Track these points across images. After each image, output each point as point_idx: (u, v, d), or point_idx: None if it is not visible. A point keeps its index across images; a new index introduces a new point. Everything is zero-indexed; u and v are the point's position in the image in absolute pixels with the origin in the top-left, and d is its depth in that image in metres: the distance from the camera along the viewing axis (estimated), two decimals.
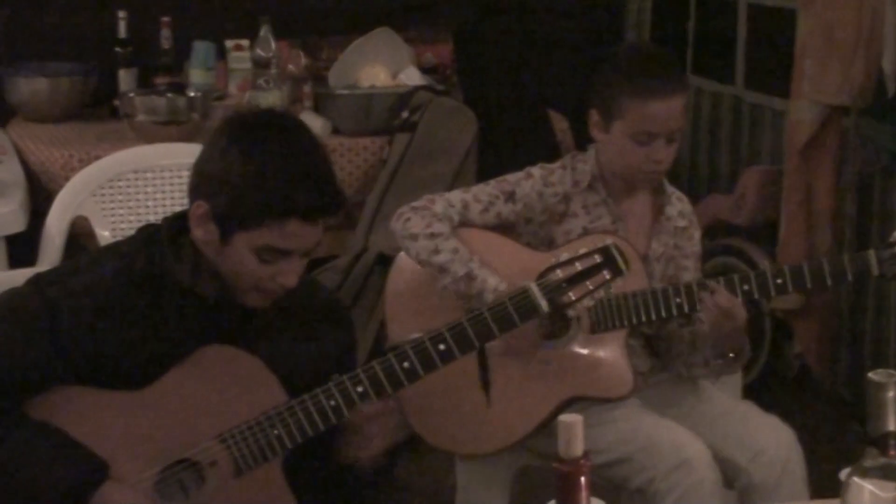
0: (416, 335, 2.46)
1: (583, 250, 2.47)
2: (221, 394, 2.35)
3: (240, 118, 2.41)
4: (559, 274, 2.44)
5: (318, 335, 2.50)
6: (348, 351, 2.56)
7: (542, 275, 2.47)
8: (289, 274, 2.36)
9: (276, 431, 2.34)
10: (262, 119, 2.42)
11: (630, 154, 2.96)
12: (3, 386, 2.29)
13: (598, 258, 2.45)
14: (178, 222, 2.42)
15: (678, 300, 2.92)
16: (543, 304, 2.44)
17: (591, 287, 2.45)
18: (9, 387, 2.29)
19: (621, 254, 2.47)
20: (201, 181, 2.36)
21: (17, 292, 2.39)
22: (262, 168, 2.30)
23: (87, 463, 2.28)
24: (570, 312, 2.76)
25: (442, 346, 2.41)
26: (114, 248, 2.50)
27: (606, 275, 2.45)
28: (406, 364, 2.39)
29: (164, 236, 2.40)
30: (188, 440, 2.33)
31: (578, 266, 2.44)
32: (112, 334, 2.33)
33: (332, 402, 2.36)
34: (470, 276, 2.89)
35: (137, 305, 2.36)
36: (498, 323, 2.45)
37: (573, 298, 2.45)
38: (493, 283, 2.88)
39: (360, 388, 2.37)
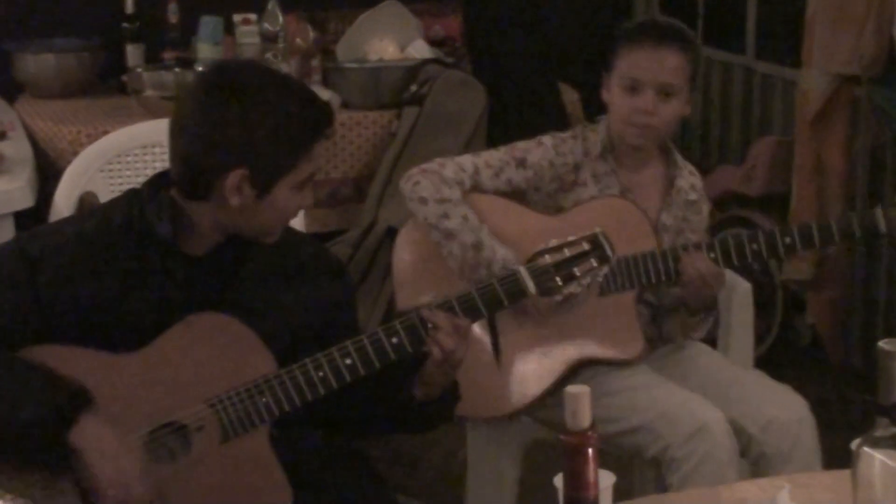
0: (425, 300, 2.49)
1: (571, 237, 2.49)
2: (212, 360, 2.36)
3: (220, 81, 2.37)
4: (547, 259, 2.47)
5: (312, 285, 2.51)
6: (345, 299, 2.57)
7: (531, 259, 2.50)
8: (308, 195, 2.43)
9: (264, 399, 2.35)
10: (239, 72, 2.40)
11: (620, 104, 3.00)
12: None
13: (586, 245, 2.48)
14: (158, 180, 2.44)
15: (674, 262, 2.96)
16: (531, 287, 2.47)
17: (577, 273, 2.48)
18: None
19: (609, 242, 2.49)
20: (225, 151, 2.33)
21: None
22: (283, 114, 2.33)
23: (69, 389, 2.26)
24: (557, 297, 2.77)
25: (430, 325, 2.43)
26: (97, 208, 2.55)
27: (593, 262, 2.48)
28: (395, 340, 2.41)
29: (145, 193, 2.42)
30: (177, 404, 2.34)
31: (567, 252, 2.48)
32: (93, 287, 2.35)
33: (321, 373, 2.38)
34: (478, 246, 2.90)
35: (118, 259, 2.37)
36: (486, 303, 2.48)
37: (559, 284, 2.48)
38: (502, 254, 2.88)
39: (348, 361, 2.39)
